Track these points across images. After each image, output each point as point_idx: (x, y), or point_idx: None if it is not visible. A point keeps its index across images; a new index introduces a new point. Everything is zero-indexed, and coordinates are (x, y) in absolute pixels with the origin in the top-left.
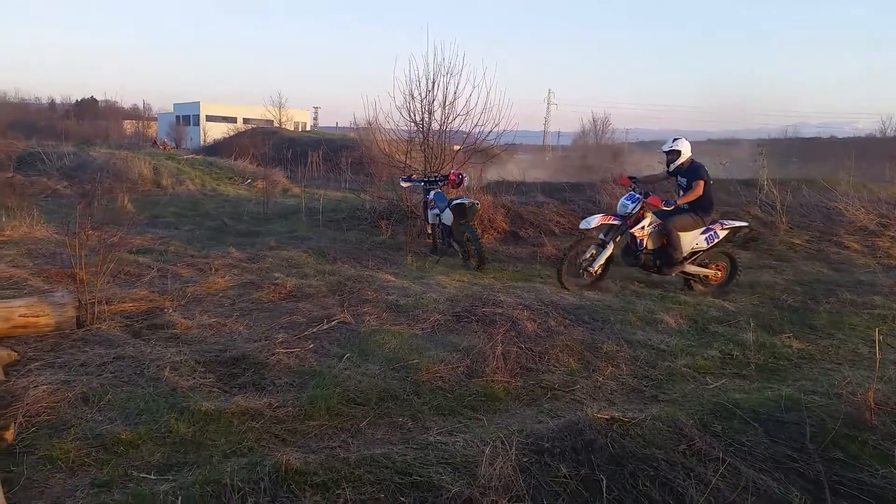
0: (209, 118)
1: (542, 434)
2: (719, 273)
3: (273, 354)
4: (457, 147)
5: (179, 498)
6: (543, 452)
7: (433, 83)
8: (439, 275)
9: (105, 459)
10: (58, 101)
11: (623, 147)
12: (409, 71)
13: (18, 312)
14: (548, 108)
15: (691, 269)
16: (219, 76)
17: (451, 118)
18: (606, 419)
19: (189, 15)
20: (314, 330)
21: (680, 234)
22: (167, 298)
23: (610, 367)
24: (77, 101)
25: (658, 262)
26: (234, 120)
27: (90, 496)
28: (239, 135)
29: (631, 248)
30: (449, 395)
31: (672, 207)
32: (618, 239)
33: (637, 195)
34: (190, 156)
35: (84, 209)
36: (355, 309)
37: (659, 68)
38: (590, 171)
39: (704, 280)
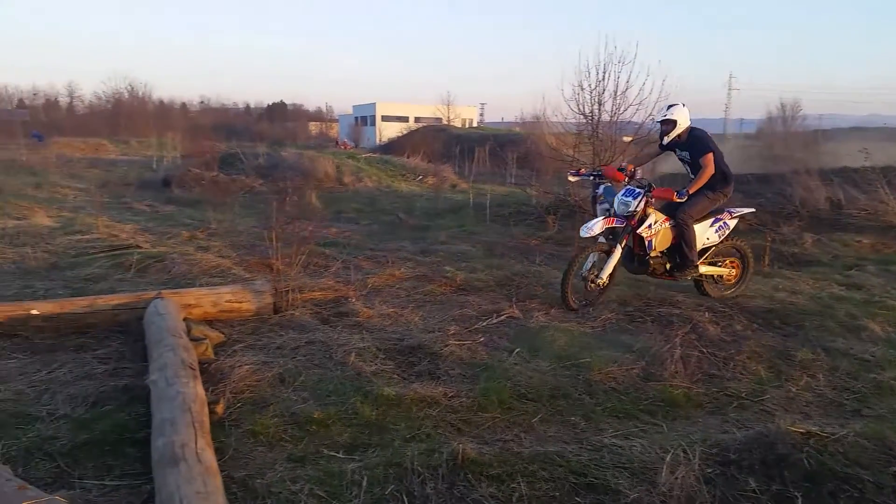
0: (384, 118)
1: (728, 445)
2: (733, 271)
3: (446, 345)
4: (627, 138)
5: (365, 478)
6: (730, 464)
7: (604, 73)
8: None
9: (299, 436)
10: (252, 105)
11: (817, 134)
12: (579, 61)
13: (225, 298)
14: (728, 93)
15: (705, 269)
16: (394, 77)
17: (622, 108)
18: (801, 433)
19: (369, 22)
20: (484, 323)
21: (693, 228)
22: (351, 288)
23: (805, 377)
24: (268, 105)
25: (670, 265)
26: (406, 119)
27: (287, 470)
28: (411, 133)
29: (636, 254)
30: (623, 398)
31: (686, 199)
32: (623, 243)
33: (637, 189)
34: (367, 154)
35: (278, 205)
36: (523, 304)
37: (862, 48)
38: (777, 162)
39: (718, 281)
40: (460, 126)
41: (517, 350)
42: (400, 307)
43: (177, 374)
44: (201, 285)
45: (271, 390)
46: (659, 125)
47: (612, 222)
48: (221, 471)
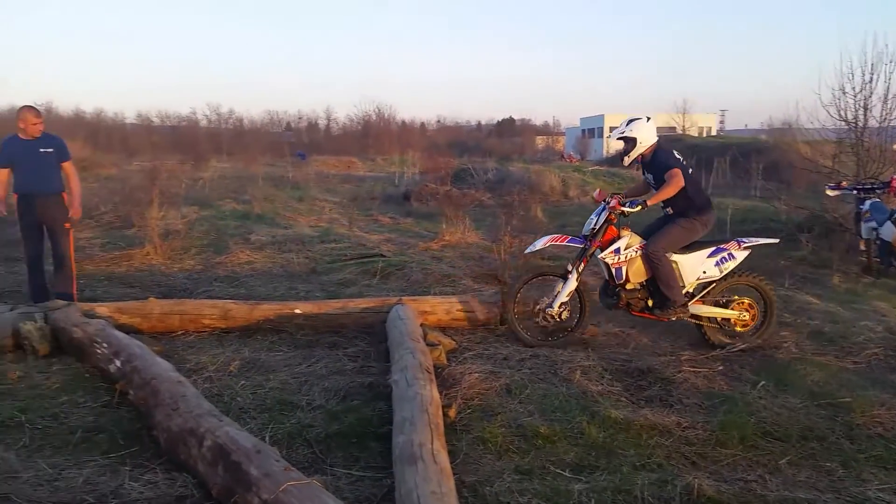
0: (612, 129)
1: None
2: (747, 315)
3: (680, 371)
4: None
5: (593, 500)
6: None
7: (871, 74)
8: (876, 300)
9: (525, 449)
10: (483, 122)
11: None
12: (841, 62)
13: (457, 307)
14: None
15: (701, 309)
16: (623, 88)
17: (894, 114)
18: None
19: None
20: (723, 350)
21: (676, 257)
22: None
23: None
24: (498, 121)
25: (650, 300)
26: None
27: (514, 481)
28: None
29: (608, 284)
30: (893, 447)
31: (638, 208)
32: (579, 267)
33: (603, 203)
34: (594, 167)
35: (505, 219)
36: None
37: None
38: None
39: (726, 326)
40: (697, 135)
41: (762, 383)
42: (627, 326)
43: (416, 377)
44: (435, 293)
45: (499, 400)
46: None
47: (563, 240)
48: (453, 473)
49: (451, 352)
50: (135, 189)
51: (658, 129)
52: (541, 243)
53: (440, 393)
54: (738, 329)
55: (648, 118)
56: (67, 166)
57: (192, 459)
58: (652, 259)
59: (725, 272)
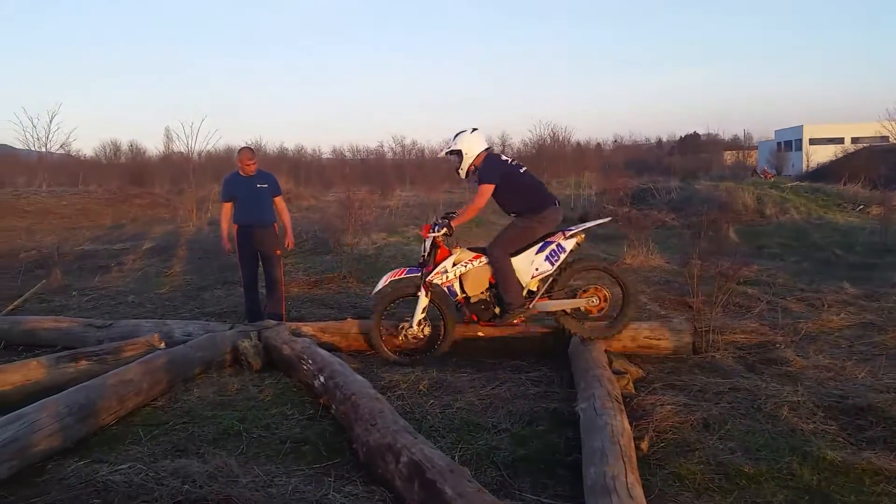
0: (812, 141)
1: None
2: (597, 300)
3: None
4: None
5: None
6: None
7: None
8: None
9: (728, 489)
10: (664, 139)
11: None
12: None
13: (644, 334)
14: None
15: (548, 305)
16: (825, 95)
17: None
18: None
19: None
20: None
21: (513, 260)
22: (779, 333)
23: None
24: (681, 137)
25: (497, 308)
26: (840, 141)
27: None
28: (847, 156)
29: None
30: None
31: (443, 231)
32: (425, 290)
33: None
34: (793, 183)
35: (693, 240)
36: None
37: None
38: None
39: (582, 316)
40: None
41: None
42: (840, 359)
43: (604, 406)
44: None
45: (695, 435)
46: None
47: (402, 273)
48: None
49: (639, 381)
50: (332, 218)
51: (865, 139)
52: (382, 283)
53: (630, 424)
54: (595, 314)
55: (474, 129)
56: (279, 200)
57: (389, 474)
58: (492, 262)
59: (558, 264)
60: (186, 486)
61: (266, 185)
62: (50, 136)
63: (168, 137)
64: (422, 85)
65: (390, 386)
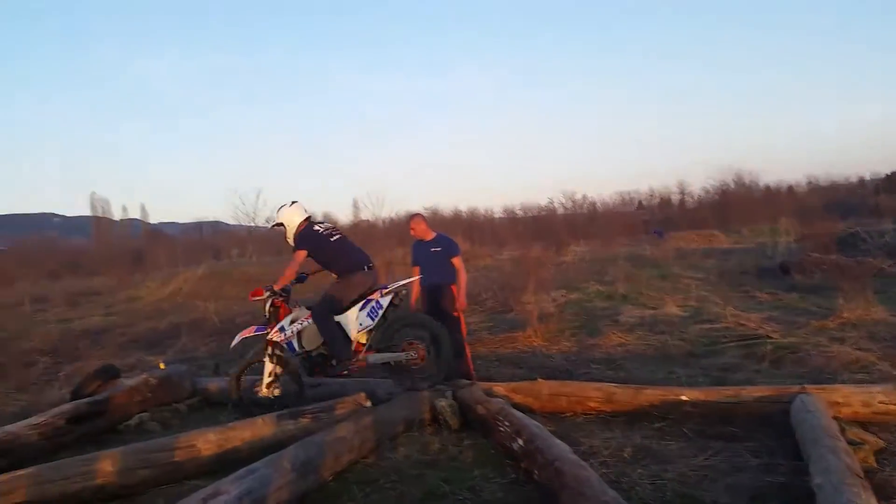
0: None
1: None
2: (414, 353)
3: None
4: None
5: None
6: None
7: None
8: None
9: None
10: (867, 177)
11: None
12: None
13: (878, 399)
14: None
15: (377, 358)
16: None
17: None
18: None
19: None
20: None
21: (338, 317)
22: None
23: None
24: (887, 174)
25: (334, 361)
26: None
27: None
28: None
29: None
30: None
31: (268, 294)
32: (267, 350)
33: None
34: None
35: None
36: None
37: None
38: None
39: (405, 368)
40: None
41: None
42: None
43: (843, 481)
44: (842, 381)
45: None
46: None
47: (252, 331)
48: None
49: (880, 452)
50: (509, 276)
51: None
52: (237, 339)
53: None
54: (414, 367)
55: (294, 202)
56: (455, 261)
57: None
58: (315, 322)
59: (377, 318)
60: None
61: (440, 249)
62: (257, 211)
63: (356, 207)
64: (587, 132)
65: (591, 452)
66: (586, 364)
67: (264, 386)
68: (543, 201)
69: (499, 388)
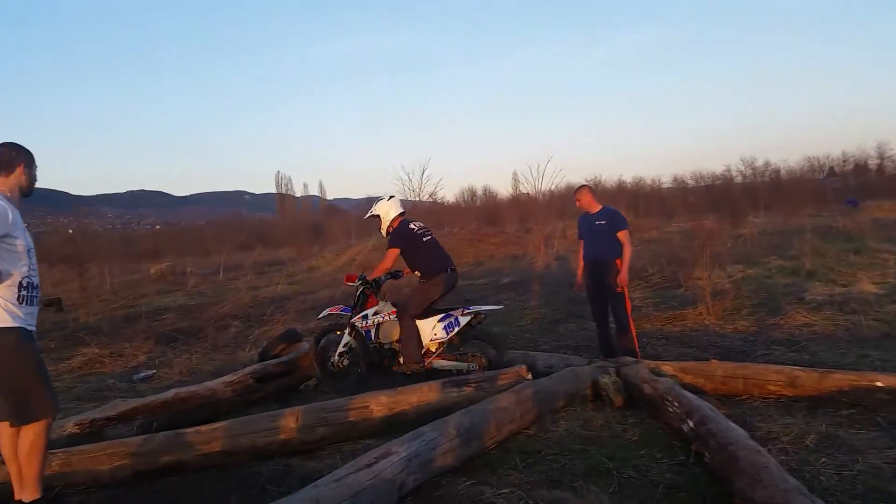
0: None
1: None
2: (476, 365)
3: None
4: None
5: None
6: None
7: None
8: None
9: None
10: None
11: None
12: None
13: None
14: None
15: (440, 364)
16: None
17: None
18: None
19: None
20: None
21: (418, 322)
22: None
23: None
24: None
25: (400, 358)
26: None
27: None
28: None
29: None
30: None
31: (360, 283)
32: (349, 329)
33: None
34: None
35: None
36: None
37: None
38: None
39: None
40: None
41: None
42: None
43: None
44: None
45: None
46: None
47: (338, 309)
48: None
49: None
50: (678, 249)
51: None
52: (325, 312)
53: None
54: None
55: (391, 196)
56: (621, 235)
57: None
58: (399, 320)
59: (452, 334)
60: None
61: (604, 222)
62: (422, 186)
63: (516, 180)
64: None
65: (769, 437)
66: (765, 345)
67: (337, 354)
68: (719, 169)
69: (667, 367)
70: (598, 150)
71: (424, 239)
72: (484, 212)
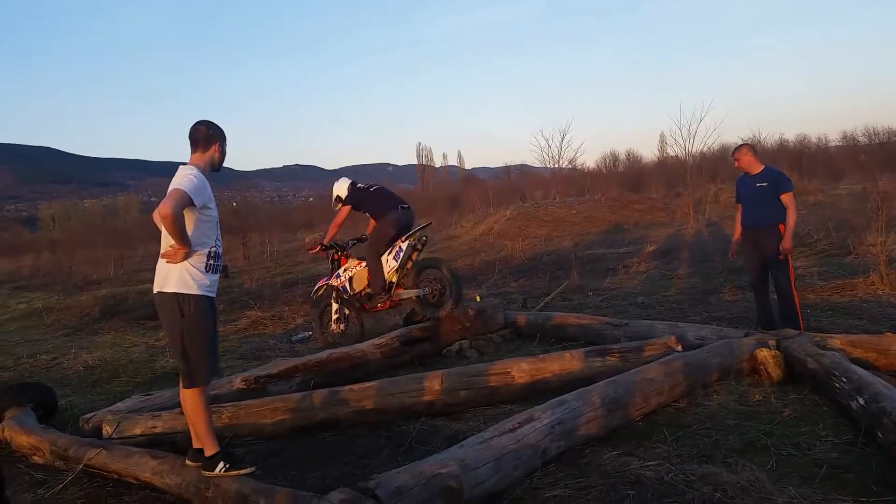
0: None
1: None
2: (429, 288)
3: None
4: None
5: None
6: None
7: None
8: None
9: None
10: None
11: None
12: None
13: None
14: None
15: (404, 294)
16: None
17: None
18: None
19: None
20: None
21: (380, 261)
22: None
23: None
24: None
25: (372, 298)
26: None
27: None
28: None
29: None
30: None
31: (319, 248)
32: (334, 295)
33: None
34: None
35: None
36: None
37: None
38: None
39: (426, 302)
40: None
41: None
42: None
43: None
44: None
45: None
46: None
47: (323, 282)
48: None
49: None
50: (848, 213)
51: None
52: (316, 286)
53: None
54: (432, 300)
55: (340, 178)
56: (785, 198)
57: None
58: (367, 264)
59: (400, 260)
60: (718, 495)
61: (766, 184)
62: (562, 153)
63: (663, 142)
64: None
65: None
66: None
67: (332, 322)
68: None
69: (835, 340)
70: (755, 108)
71: (371, 189)
72: (627, 177)
